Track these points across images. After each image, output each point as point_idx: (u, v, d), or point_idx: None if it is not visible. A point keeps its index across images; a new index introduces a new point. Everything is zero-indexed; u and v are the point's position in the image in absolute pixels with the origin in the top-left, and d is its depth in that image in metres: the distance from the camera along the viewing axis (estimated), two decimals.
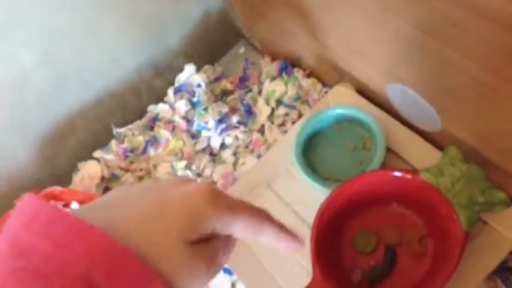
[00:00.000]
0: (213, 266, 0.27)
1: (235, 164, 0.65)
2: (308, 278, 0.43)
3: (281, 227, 0.29)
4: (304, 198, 0.54)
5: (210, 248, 0.27)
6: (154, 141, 0.67)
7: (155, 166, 0.66)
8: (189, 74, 0.71)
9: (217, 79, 0.73)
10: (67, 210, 0.26)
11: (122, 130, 0.69)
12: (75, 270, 0.22)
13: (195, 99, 0.68)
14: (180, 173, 0.64)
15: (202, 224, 0.26)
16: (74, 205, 0.62)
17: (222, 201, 0.27)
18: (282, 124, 0.65)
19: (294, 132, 0.55)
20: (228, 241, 0.29)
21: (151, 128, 0.70)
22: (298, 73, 0.67)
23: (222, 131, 0.66)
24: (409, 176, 0.45)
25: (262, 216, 0.29)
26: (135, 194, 0.27)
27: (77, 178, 0.66)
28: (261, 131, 0.66)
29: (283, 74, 0.68)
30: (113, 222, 0.24)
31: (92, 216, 0.24)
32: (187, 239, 0.25)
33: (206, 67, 0.74)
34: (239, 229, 0.27)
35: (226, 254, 0.29)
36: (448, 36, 0.35)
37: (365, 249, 0.47)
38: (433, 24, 0.36)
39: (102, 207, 0.26)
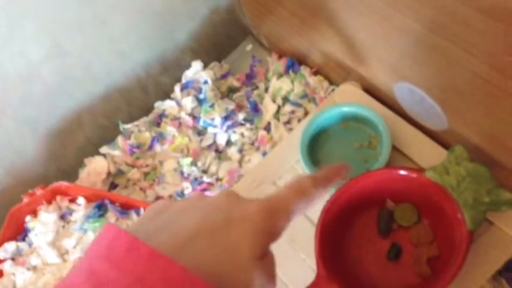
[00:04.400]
0: (275, 276, 0.30)
1: (240, 161, 0.65)
2: (313, 276, 0.43)
3: (318, 182, 0.32)
4: None
5: (271, 260, 0.29)
6: (160, 138, 0.67)
7: (161, 162, 0.66)
8: (195, 71, 0.71)
9: (224, 76, 0.73)
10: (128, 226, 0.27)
11: (128, 126, 0.69)
12: None
13: (201, 96, 0.68)
14: (185, 169, 0.64)
15: (269, 241, 0.28)
16: (80, 200, 0.63)
17: (281, 215, 0.29)
18: (288, 122, 0.65)
19: (300, 130, 0.55)
20: None
21: (158, 125, 0.70)
22: (304, 71, 0.67)
23: (228, 128, 0.66)
24: (414, 175, 0.45)
25: (308, 196, 0.31)
26: (195, 213, 0.28)
27: (83, 173, 0.66)
28: (267, 128, 0.66)
29: (290, 72, 0.68)
30: (183, 247, 0.25)
31: (160, 241, 0.25)
32: (254, 257, 0.27)
33: (213, 64, 0.74)
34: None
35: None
36: (455, 34, 0.35)
37: (407, 222, 0.47)
38: (440, 22, 0.35)
39: (166, 229, 0.26)
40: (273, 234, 0.29)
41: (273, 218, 0.28)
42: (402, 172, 0.45)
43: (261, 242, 0.27)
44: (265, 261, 0.28)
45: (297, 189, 0.31)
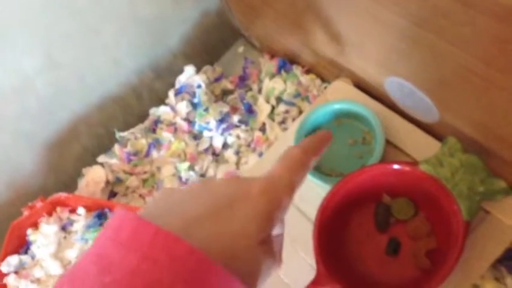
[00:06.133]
0: (278, 261, 0.30)
1: (237, 163, 0.65)
2: (313, 274, 0.43)
3: (308, 150, 0.32)
4: (307, 195, 0.53)
5: (274, 244, 0.30)
6: (157, 144, 0.68)
7: (159, 168, 0.67)
8: (188, 75, 0.71)
9: (217, 79, 0.73)
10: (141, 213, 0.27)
11: (124, 134, 0.69)
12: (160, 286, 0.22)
13: (195, 100, 0.69)
14: (183, 174, 0.64)
15: (272, 224, 0.28)
16: (80, 211, 0.63)
17: (284, 195, 0.29)
18: (283, 121, 0.65)
19: (294, 129, 0.55)
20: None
21: (154, 131, 0.70)
22: (297, 70, 0.67)
23: (224, 130, 0.66)
24: (408, 168, 0.45)
25: (305, 170, 0.32)
26: (200, 196, 0.28)
27: (82, 183, 0.67)
28: (262, 129, 0.66)
29: (282, 72, 0.68)
30: (190, 227, 0.25)
31: (167, 221, 0.25)
32: (259, 239, 0.27)
33: (206, 67, 0.74)
34: None
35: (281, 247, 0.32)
36: (439, 27, 0.35)
37: (404, 216, 0.47)
38: (424, 16, 0.36)
39: (173, 211, 0.27)
40: (278, 214, 0.29)
41: (276, 200, 0.29)
42: (396, 166, 0.46)
43: (265, 224, 0.28)
44: (271, 243, 0.29)
45: (291, 164, 0.31)
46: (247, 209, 0.27)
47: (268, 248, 0.28)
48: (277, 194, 0.29)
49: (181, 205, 0.27)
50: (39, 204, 0.63)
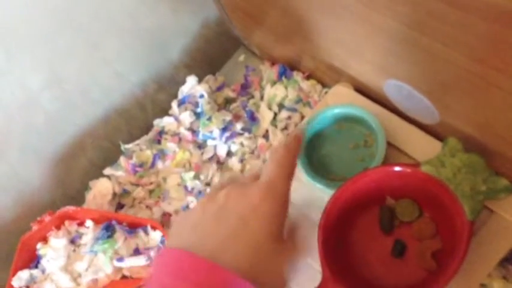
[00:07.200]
0: (301, 250, 0.37)
1: (242, 171, 0.65)
2: (319, 279, 0.44)
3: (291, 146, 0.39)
4: (312, 201, 0.54)
5: (292, 237, 0.37)
6: (161, 155, 0.68)
7: (164, 179, 0.67)
8: (191, 86, 0.72)
9: (219, 88, 0.74)
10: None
11: (129, 146, 0.70)
12: None
13: (198, 110, 0.69)
14: (189, 183, 0.65)
15: (281, 222, 0.34)
16: (89, 223, 0.64)
17: (283, 194, 0.35)
18: (285, 128, 0.65)
19: None
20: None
21: (158, 142, 0.71)
22: (297, 76, 0.68)
23: (227, 139, 0.66)
24: (410, 170, 0.45)
25: (293, 167, 0.38)
26: (215, 217, 0.33)
27: (89, 196, 0.67)
28: (266, 136, 0.66)
29: (283, 78, 0.69)
30: (218, 253, 0.31)
31: (200, 249, 0.31)
32: (276, 238, 0.33)
33: (208, 77, 0.75)
34: None
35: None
36: (433, 29, 0.35)
37: (408, 218, 0.48)
38: (417, 18, 0.36)
39: (200, 240, 0.32)
40: (283, 211, 0.34)
41: (277, 200, 0.33)
42: (398, 168, 0.46)
43: (275, 224, 0.33)
44: (289, 237, 0.35)
45: (281, 163, 0.36)
46: (257, 218, 0.32)
47: (287, 242, 0.34)
48: (277, 194, 0.34)
49: (203, 231, 0.32)
50: (47, 218, 0.63)
